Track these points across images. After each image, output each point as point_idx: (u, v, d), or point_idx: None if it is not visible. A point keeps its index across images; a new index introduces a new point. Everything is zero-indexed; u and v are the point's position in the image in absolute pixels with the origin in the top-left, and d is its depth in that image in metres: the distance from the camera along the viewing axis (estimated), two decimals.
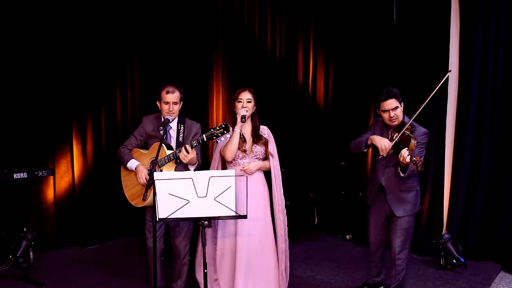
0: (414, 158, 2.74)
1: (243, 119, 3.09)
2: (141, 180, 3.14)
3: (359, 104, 5.04)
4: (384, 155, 2.93)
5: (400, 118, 3.06)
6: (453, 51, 4.30)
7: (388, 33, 4.69)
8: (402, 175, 2.96)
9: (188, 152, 2.94)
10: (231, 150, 3.16)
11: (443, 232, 4.28)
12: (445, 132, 4.36)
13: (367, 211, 3.51)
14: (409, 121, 2.96)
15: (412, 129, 2.98)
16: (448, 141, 4.37)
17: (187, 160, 2.97)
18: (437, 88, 3.00)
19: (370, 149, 3.75)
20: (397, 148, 2.89)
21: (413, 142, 2.82)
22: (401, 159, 2.80)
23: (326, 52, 5.43)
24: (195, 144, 2.97)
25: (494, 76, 4.12)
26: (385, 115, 3.06)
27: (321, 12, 5.43)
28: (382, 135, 3.09)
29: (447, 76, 3.05)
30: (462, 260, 4.00)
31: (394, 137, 2.91)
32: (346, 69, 5.23)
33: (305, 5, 5.55)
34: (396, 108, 3.02)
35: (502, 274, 3.95)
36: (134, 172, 3.21)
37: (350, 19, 5.11)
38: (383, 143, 2.89)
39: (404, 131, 2.90)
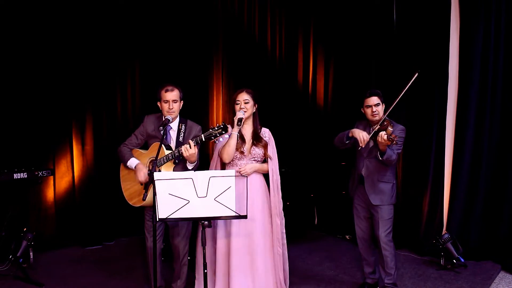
0: (391, 136, 3.05)
1: (239, 122, 3.06)
2: (141, 178, 3.14)
3: (359, 104, 5.02)
4: (363, 146, 3.21)
5: (381, 114, 3.35)
6: (453, 51, 4.30)
7: (388, 33, 4.69)
8: (380, 158, 3.21)
9: (190, 147, 2.94)
10: (229, 153, 3.14)
11: (443, 232, 4.28)
12: (445, 132, 4.36)
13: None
14: (385, 115, 3.30)
15: (391, 124, 3.27)
16: (448, 141, 4.37)
17: (187, 154, 2.96)
18: (406, 88, 3.26)
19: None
20: (376, 138, 3.21)
21: (390, 128, 3.16)
22: (379, 139, 3.09)
23: (326, 52, 5.44)
24: (193, 144, 2.98)
25: (495, 76, 4.12)
26: (368, 110, 3.38)
27: (321, 13, 5.43)
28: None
29: (416, 76, 3.27)
30: (462, 260, 4.00)
31: (374, 128, 3.24)
32: (346, 69, 5.23)
33: (305, 5, 5.55)
34: (377, 104, 3.36)
35: (502, 274, 3.94)
36: (134, 171, 3.22)
37: (350, 19, 5.11)
38: (362, 135, 3.18)
39: (382, 122, 3.23)
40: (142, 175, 3.14)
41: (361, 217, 3.53)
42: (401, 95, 3.25)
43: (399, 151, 3.33)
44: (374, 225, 3.43)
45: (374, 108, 3.34)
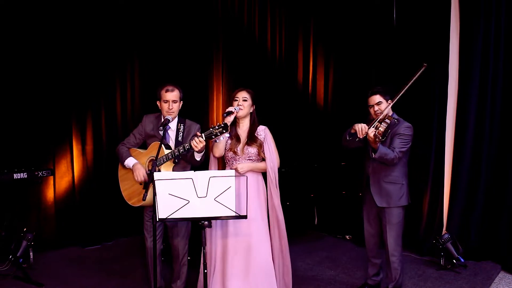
0: (376, 133, 2.97)
1: (224, 114, 3.08)
2: (139, 178, 3.13)
3: (359, 104, 5.01)
4: (361, 137, 3.08)
5: (385, 113, 3.20)
6: (453, 50, 4.30)
7: (388, 33, 4.69)
8: (373, 156, 3.12)
9: (203, 139, 2.87)
10: (219, 148, 3.19)
11: (443, 232, 4.28)
12: (445, 132, 4.36)
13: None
14: (385, 109, 3.17)
15: (395, 121, 3.18)
16: (448, 141, 4.37)
17: (200, 148, 2.90)
18: (412, 81, 3.18)
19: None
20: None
21: (381, 128, 3.07)
22: (367, 135, 3.02)
23: (326, 52, 5.44)
24: (203, 138, 2.94)
25: (495, 76, 4.12)
26: (371, 110, 3.29)
27: (321, 12, 5.43)
28: None
29: (423, 69, 3.20)
30: (462, 260, 4.00)
31: (372, 124, 3.13)
32: (346, 69, 5.23)
33: (305, 5, 5.56)
34: (379, 103, 3.23)
35: (502, 274, 3.94)
36: (132, 170, 3.21)
37: (350, 19, 5.11)
38: (361, 126, 3.08)
39: (382, 118, 3.12)
40: (141, 174, 3.13)
41: (370, 220, 3.43)
42: (405, 88, 3.13)
43: (403, 149, 3.17)
44: (383, 229, 3.33)
45: (376, 107, 3.23)
